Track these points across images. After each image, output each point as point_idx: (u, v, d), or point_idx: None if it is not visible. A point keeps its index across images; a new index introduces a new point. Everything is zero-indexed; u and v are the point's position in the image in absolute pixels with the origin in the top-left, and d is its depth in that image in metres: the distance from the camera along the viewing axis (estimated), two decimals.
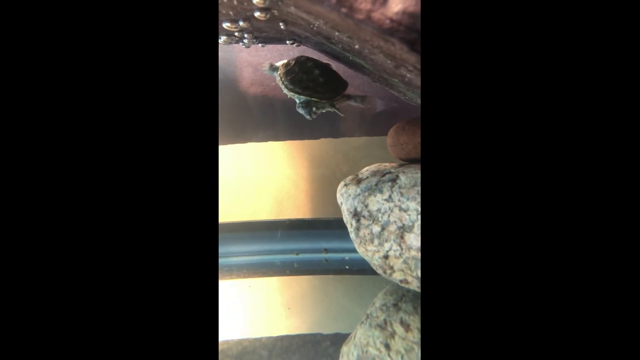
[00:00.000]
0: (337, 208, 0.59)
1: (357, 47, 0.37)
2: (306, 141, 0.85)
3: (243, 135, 0.85)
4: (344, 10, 0.27)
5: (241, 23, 0.41)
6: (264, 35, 0.51)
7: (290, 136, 0.85)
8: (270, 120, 0.85)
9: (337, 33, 0.35)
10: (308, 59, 0.55)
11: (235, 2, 0.34)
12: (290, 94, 0.55)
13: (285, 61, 0.57)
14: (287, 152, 0.86)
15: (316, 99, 0.52)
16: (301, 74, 0.53)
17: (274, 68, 0.58)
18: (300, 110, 0.54)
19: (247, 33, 0.49)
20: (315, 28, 0.39)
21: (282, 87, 0.55)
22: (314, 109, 0.54)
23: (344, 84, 0.55)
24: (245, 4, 0.34)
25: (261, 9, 0.35)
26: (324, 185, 0.86)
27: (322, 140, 0.85)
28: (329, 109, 0.55)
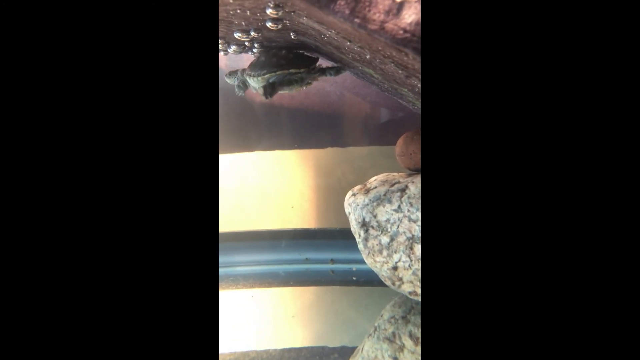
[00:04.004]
0: (343, 218, 0.58)
1: (368, 57, 0.37)
2: (312, 150, 0.85)
3: (248, 143, 0.85)
4: (357, 21, 0.27)
5: (252, 33, 0.41)
6: (273, 44, 0.51)
7: (296, 145, 0.85)
8: (276, 129, 0.85)
9: (348, 43, 0.35)
10: (276, 48, 0.53)
11: (248, 13, 0.34)
12: (261, 86, 0.53)
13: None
14: (293, 161, 0.86)
15: (294, 69, 0.51)
16: (269, 59, 0.52)
17: (233, 74, 0.58)
18: (264, 93, 0.52)
19: (257, 43, 0.49)
20: (326, 38, 0.39)
21: (250, 81, 0.54)
22: (281, 86, 0.52)
23: (314, 58, 0.54)
24: (258, 14, 0.34)
25: (273, 20, 0.36)
26: (329, 194, 0.85)
27: (328, 149, 0.85)
28: (308, 81, 0.53)
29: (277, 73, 0.51)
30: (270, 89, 0.52)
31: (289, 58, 0.51)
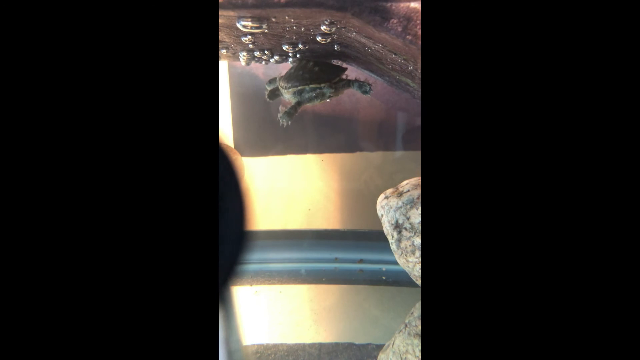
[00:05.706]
0: (369, 220, 0.60)
1: (410, 68, 0.40)
2: (339, 154, 0.88)
3: (282, 147, 0.88)
4: (409, 37, 0.30)
5: (300, 46, 0.45)
6: (314, 55, 0.54)
7: (325, 149, 0.88)
8: (306, 134, 0.88)
9: (393, 55, 0.38)
10: (305, 59, 0.55)
11: (302, 29, 0.37)
12: (289, 97, 0.55)
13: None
14: (320, 165, 0.89)
15: (315, 85, 0.52)
16: (297, 71, 0.54)
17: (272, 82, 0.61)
18: (284, 118, 0.53)
19: (300, 54, 0.52)
20: (369, 51, 0.42)
21: (284, 92, 0.56)
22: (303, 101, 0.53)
23: (341, 69, 0.55)
24: (311, 30, 0.37)
25: (324, 34, 0.39)
26: (356, 198, 0.88)
27: (357, 153, 0.87)
28: (330, 95, 0.54)
29: (299, 88, 0.53)
30: (287, 117, 0.53)
31: (314, 71, 0.53)
